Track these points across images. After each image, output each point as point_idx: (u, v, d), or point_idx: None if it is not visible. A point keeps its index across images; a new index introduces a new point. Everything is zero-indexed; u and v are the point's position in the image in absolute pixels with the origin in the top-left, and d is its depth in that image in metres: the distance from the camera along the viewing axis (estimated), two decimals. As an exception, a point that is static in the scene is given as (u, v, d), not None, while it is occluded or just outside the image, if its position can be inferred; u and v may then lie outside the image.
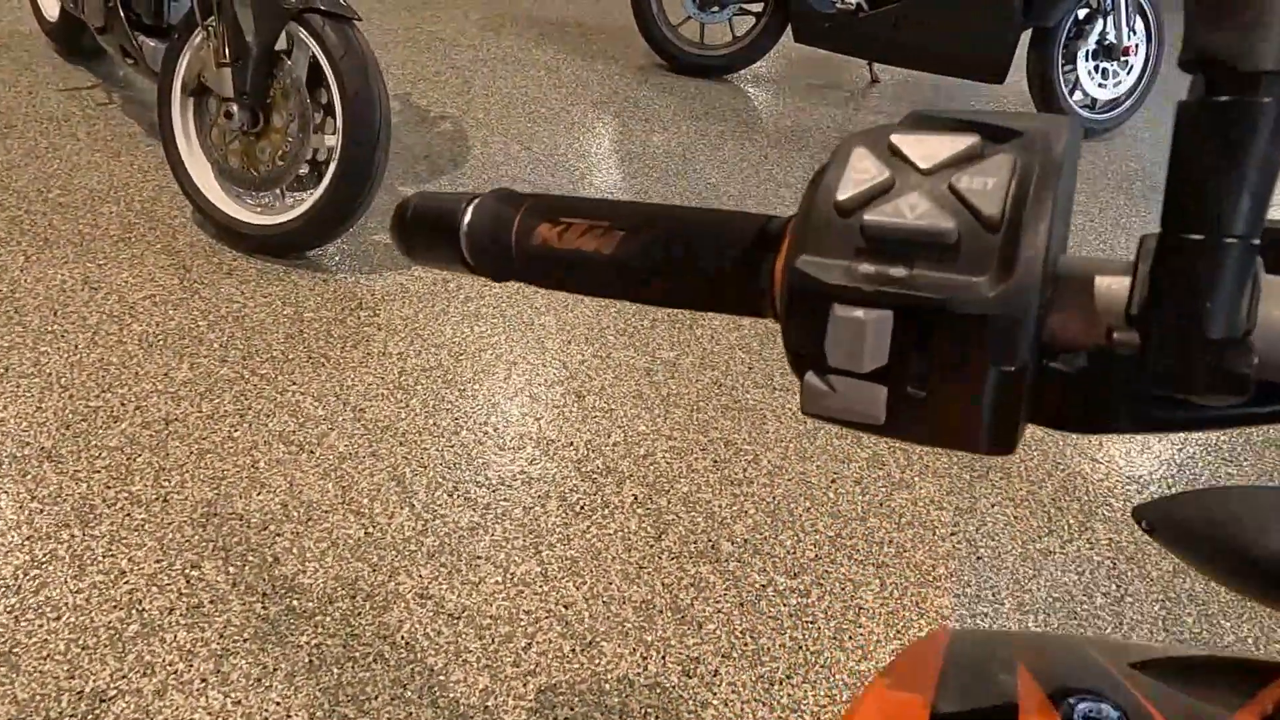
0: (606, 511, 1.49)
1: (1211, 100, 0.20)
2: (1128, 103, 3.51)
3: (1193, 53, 0.19)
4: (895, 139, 0.23)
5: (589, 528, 1.46)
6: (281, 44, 1.85)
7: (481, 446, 1.59)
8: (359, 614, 1.26)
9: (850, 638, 1.34)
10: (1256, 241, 0.20)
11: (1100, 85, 3.44)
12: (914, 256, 0.22)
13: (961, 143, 0.23)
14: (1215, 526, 0.33)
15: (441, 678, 1.20)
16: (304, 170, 1.93)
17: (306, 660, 1.19)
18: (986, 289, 0.21)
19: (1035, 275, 0.21)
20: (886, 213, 0.22)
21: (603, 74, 3.51)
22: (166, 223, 2.12)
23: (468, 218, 0.31)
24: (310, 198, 1.90)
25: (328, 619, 1.25)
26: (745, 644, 1.30)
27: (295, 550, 1.34)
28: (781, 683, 1.26)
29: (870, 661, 1.30)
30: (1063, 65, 3.34)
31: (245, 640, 1.21)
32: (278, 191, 1.98)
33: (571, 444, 1.63)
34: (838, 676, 1.28)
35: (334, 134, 1.84)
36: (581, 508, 1.49)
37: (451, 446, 1.58)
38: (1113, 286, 0.22)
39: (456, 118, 2.91)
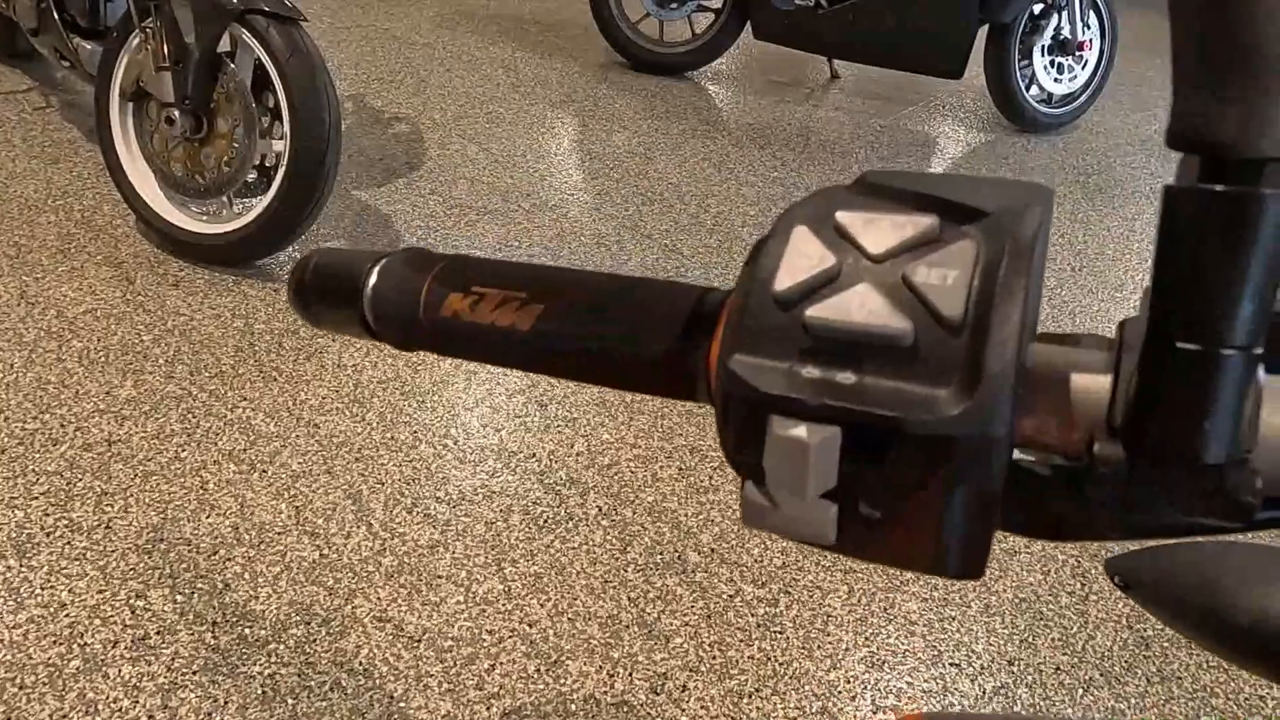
0: (571, 524, 1.46)
1: (1207, 189, 0.17)
2: (1083, 97, 3.55)
3: (1184, 129, 0.17)
4: (842, 217, 0.20)
5: (553, 542, 1.43)
6: (224, 46, 1.79)
7: (441, 460, 1.55)
8: (314, 640, 1.22)
9: (819, 647, 1.32)
10: (1259, 351, 0.18)
11: (1056, 80, 3.48)
12: (864, 360, 0.19)
13: (917, 224, 0.20)
14: (1190, 584, 0.31)
15: (402, 704, 1.16)
16: (251, 176, 1.87)
17: (260, 691, 1.15)
18: (948, 405, 0.18)
19: (1006, 387, 0.18)
20: (832, 309, 0.19)
21: (561, 72, 3.46)
22: (108, 233, 2.04)
23: (372, 280, 0.28)
24: (259, 205, 1.84)
25: (282, 647, 1.20)
26: (713, 657, 1.28)
27: (247, 575, 1.30)
28: (751, 696, 1.24)
29: (840, 670, 1.29)
30: (1019, 60, 3.36)
31: (194, 672, 1.16)
32: (224, 199, 1.91)
33: (534, 455, 1.59)
34: (807, 687, 1.26)
35: (282, 139, 1.78)
36: (545, 521, 1.46)
37: (410, 461, 1.54)
38: (1091, 389, 0.20)
39: (412, 119, 2.85)
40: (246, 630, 1.22)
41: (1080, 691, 1.32)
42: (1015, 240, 0.19)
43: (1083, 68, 3.51)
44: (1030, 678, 1.33)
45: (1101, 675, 1.35)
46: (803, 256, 0.20)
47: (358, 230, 2.19)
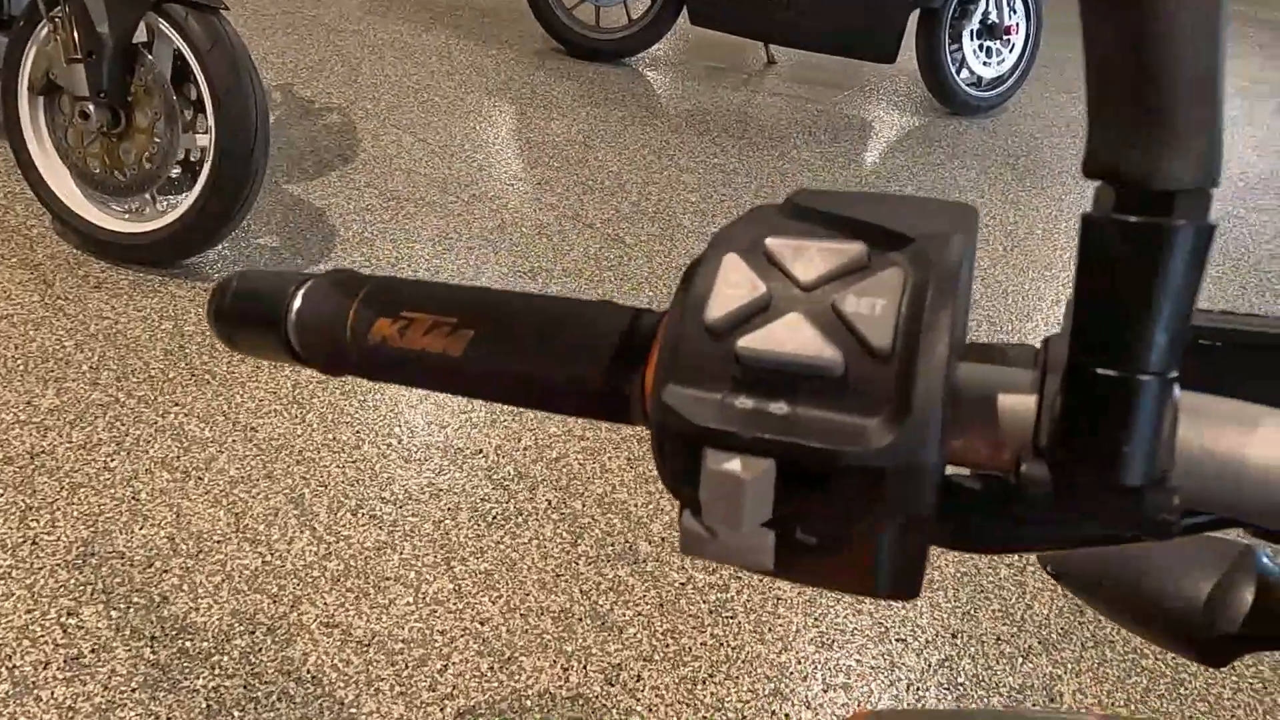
0: (520, 520, 1.45)
1: (1121, 219, 0.17)
2: (1011, 80, 3.64)
3: (1098, 160, 0.17)
4: (772, 245, 0.20)
5: (503, 538, 1.42)
6: (140, 36, 1.71)
7: (386, 460, 1.52)
8: (260, 650, 1.19)
9: (770, 630, 1.34)
10: (1174, 375, 0.18)
11: (985, 64, 3.56)
12: (797, 391, 0.19)
13: (846, 252, 0.20)
14: (1117, 573, 0.32)
15: (353, 710, 1.14)
16: (176, 172, 1.80)
17: (204, 706, 1.12)
18: (878, 435, 0.18)
19: (934, 416, 0.18)
20: (763, 339, 0.19)
21: (497, 59, 3.41)
22: (22, 234, 1.94)
23: (296, 304, 0.27)
24: (184, 202, 1.77)
25: (225, 659, 1.17)
26: (667, 645, 1.29)
27: (185, 587, 1.26)
28: (704, 682, 1.25)
29: (791, 652, 1.31)
30: (949, 45, 3.43)
31: (133, 690, 1.12)
32: (147, 196, 1.84)
33: (481, 451, 1.58)
34: (760, 670, 1.28)
35: (206, 133, 1.71)
36: (494, 517, 1.45)
37: (353, 462, 1.51)
38: (1018, 410, 0.20)
39: (344, 108, 2.78)
40: (187, 643, 1.18)
41: (1020, 660, 1.37)
42: (941, 267, 0.19)
43: (1010, 51, 3.60)
44: (973, 649, 1.37)
45: (1040, 643, 1.40)
46: (733, 285, 0.20)
47: (290, 226, 2.13)
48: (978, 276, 2.44)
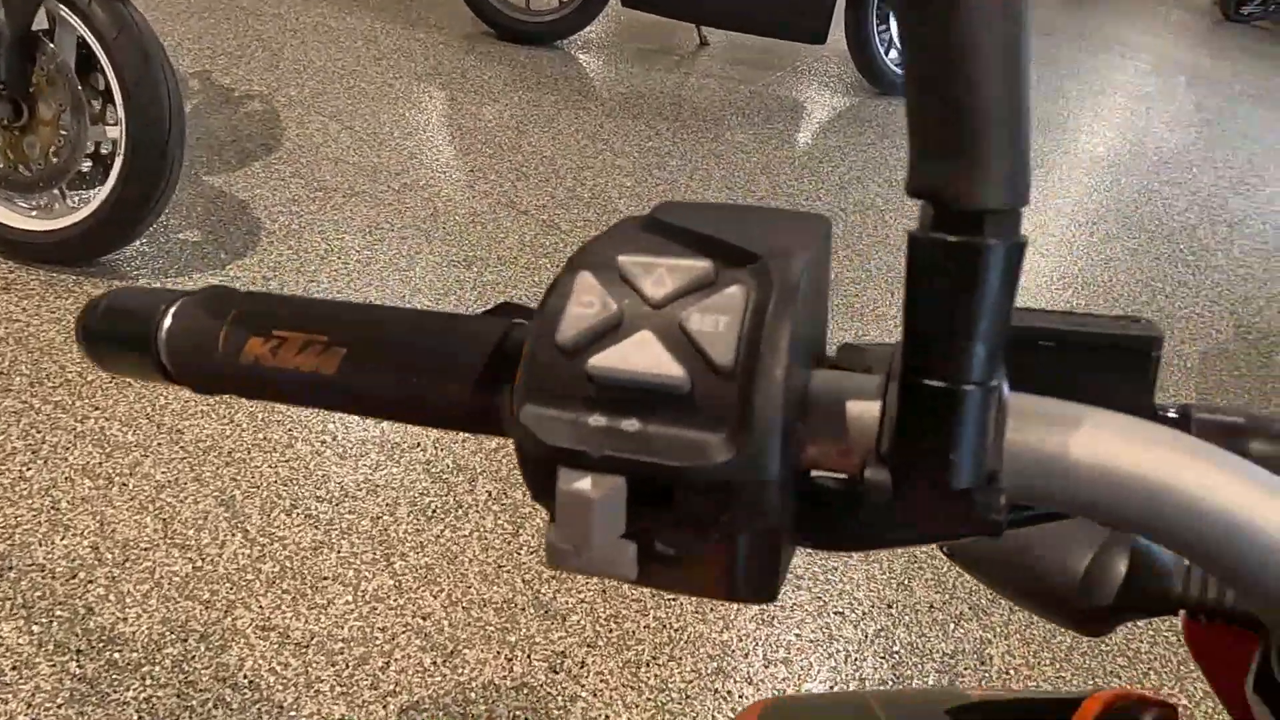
0: (460, 512, 1.45)
1: (939, 238, 0.18)
2: (937, 60, 3.71)
3: (917, 180, 0.18)
4: (624, 262, 0.21)
5: (443, 531, 1.41)
6: (41, 23, 1.63)
7: (320, 458, 1.50)
8: (193, 658, 1.16)
9: (712, 609, 1.36)
10: (996, 384, 0.19)
11: (911, 44, 3.62)
12: (647, 408, 0.20)
13: (694, 269, 0.20)
14: (1008, 554, 0.34)
15: (293, 713, 1.13)
16: (86, 166, 1.72)
17: (135, 717, 1.09)
18: (722, 451, 0.19)
19: (774, 429, 0.19)
20: (614, 357, 0.20)
21: (426, 43, 3.34)
22: (-80, 233, 1.84)
23: (167, 323, 0.27)
24: (97, 197, 1.70)
25: (156, 668, 1.14)
26: (610, 630, 1.30)
27: (112, 597, 1.22)
28: (648, 664, 1.27)
29: (733, 630, 1.34)
30: (877, 25, 3.48)
31: (60, 705, 1.08)
32: (56, 192, 1.76)
33: (418, 444, 1.56)
34: (703, 649, 1.30)
35: (117, 124, 1.64)
36: (433, 511, 1.44)
37: (286, 461, 1.48)
38: (864, 416, 0.21)
39: (266, 96, 2.69)
40: (116, 655, 1.15)
41: (952, 625, 1.42)
42: (782, 284, 0.20)
43: (936, 31, 3.67)
44: (908, 618, 1.42)
45: (970, 609, 1.45)
46: (585, 305, 0.20)
47: (212, 219, 2.07)
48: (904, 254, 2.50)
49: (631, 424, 0.20)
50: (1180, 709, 0.34)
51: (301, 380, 0.24)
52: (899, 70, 3.61)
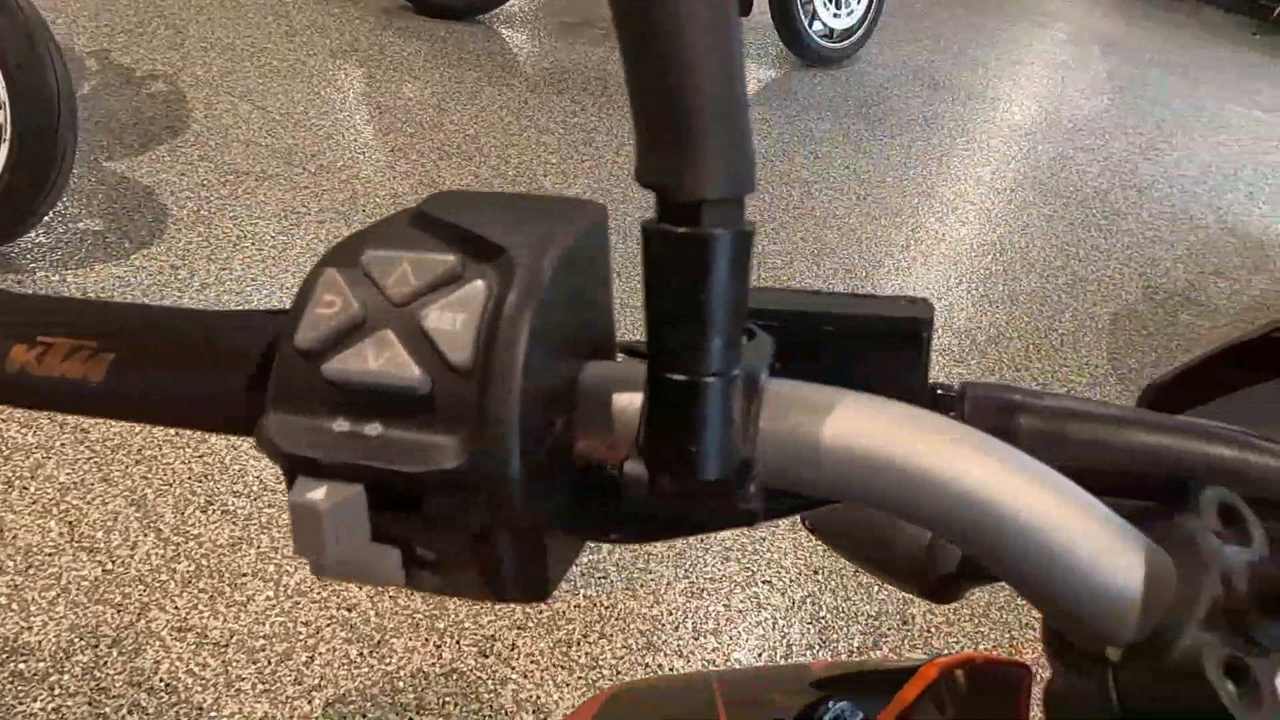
0: (384, 501, 1.42)
1: (666, 229, 0.18)
2: (860, 31, 3.75)
3: (642, 171, 0.18)
4: (369, 258, 0.20)
5: (367, 521, 1.38)
6: (-91, 1, 1.52)
7: (236, 452, 1.45)
8: (105, 664, 1.13)
9: (642, 585, 1.37)
10: (738, 373, 0.19)
11: (835, 15, 3.64)
12: (390, 412, 0.19)
13: (439, 264, 0.19)
14: (855, 526, 0.35)
15: (213, 714, 1.10)
16: (-30, 154, 1.62)
17: (44, 729, 1.05)
18: (458, 452, 0.18)
19: (511, 426, 0.18)
20: (351, 359, 0.19)
21: (340, 19, 3.23)
22: None
23: None
24: (-17, 187, 1.61)
25: (66, 677, 1.10)
26: (540, 611, 1.30)
27: (15, 606, 1.17)
28: (579, 643, 1.28)
29: (662, 605, 1.35)
30: (801, -3, 3.49)
31: (-39, 722, 1.04)
32: (-62, 182, 1.65)
33: (340, 434, 1.53)
34: (633, 625, 1.31)
35: (0, 109, 1.55)
36: (357, 501, 1.41)
37: (200, 456, 1.43)
38: (629, 408, 0.21)
39: (170, 76, 2.57)
40: (20, 665, 1.11)
41: (876, 589, 1.46)
42: (530, 276, 0.19)
43: (858, 3, 3.70)
44: (834, 583, 1.45)
45: (893, 571, 1.49)
46: (326, 305, 0.20)
47: (115, 207, 1.97)
48: (831, 225, 2.53)
49: (374, 428, 0.19)
50: (1035, 668, 0.36)
51: (71, 389, 0.23)
52: (823, 42, 3.63)
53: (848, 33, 3.70)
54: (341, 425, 0.19)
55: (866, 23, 3.75)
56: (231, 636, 1.19)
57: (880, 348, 0.23)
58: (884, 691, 0.33)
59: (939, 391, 0.24)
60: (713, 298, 0.18)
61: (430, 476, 0.18)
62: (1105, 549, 0.19)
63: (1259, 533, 0.21)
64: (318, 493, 0.18)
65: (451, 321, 0.19)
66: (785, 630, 1.36)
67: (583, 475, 0.21)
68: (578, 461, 0.21)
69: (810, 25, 3.55)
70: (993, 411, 0.23)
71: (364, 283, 0.20)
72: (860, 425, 0.20)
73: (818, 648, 1.36)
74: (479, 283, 0.19)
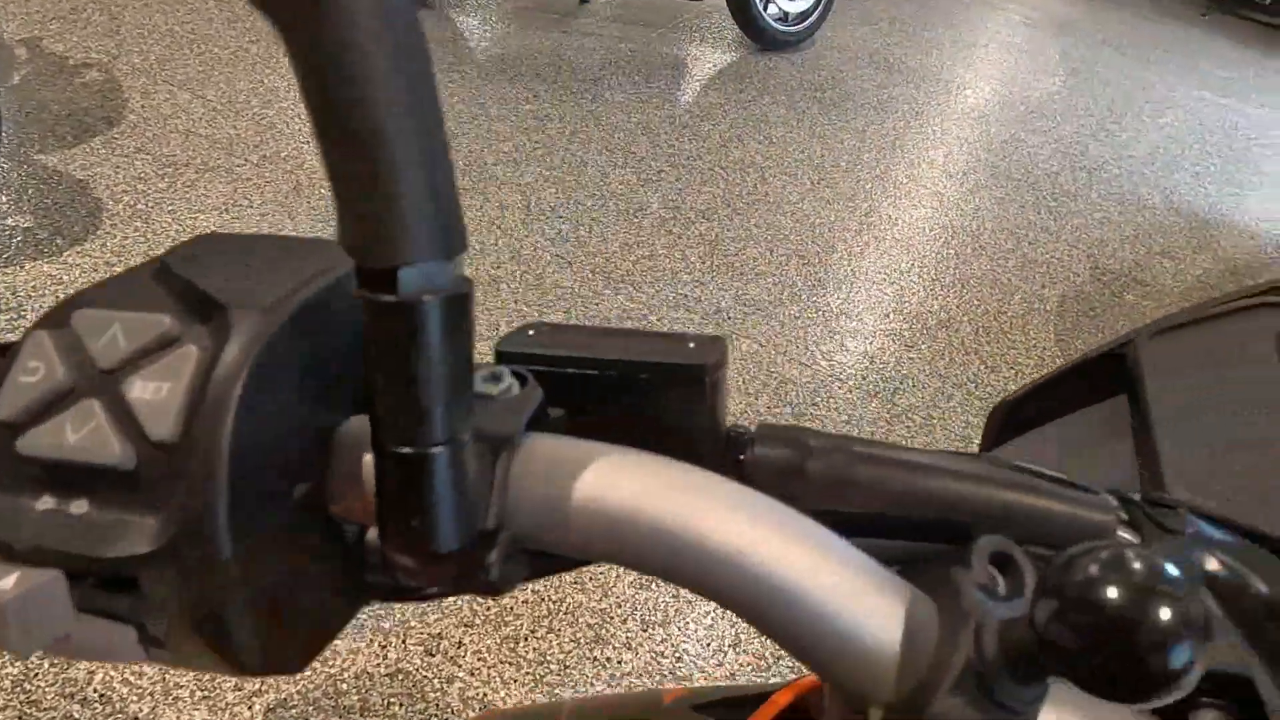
0: (328, 500, 1.40)
1: (371, 299, 0.17)
2: (815, 14, 3.74)
3: (343, 243, 0.17)
4: (79, 320, 0.19)
5: (310, 521, 1.36)
6: None
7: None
8: (35, 675, 1.10)
9: (591, 579, 1.37)
10: (467, 439, 0.18)
11: (790, -1, 3.63)
12: (96, 489, 0.18)
13: (153, 327, 0.18)
14: None
15: (149, 724, 1.08)
16: (-115, 150, 1.56)
17: (-29, 746, 1.02)
18: (155, 537, 0.17)
19: (215, 507, 0.17)
20: (45, 435, 0.18)
21: (286, 4, 3.15)
22: None
23: None
24: (-99, 184, 1.55)
25: (-6, 691, 1.08)
26: (488, 608, 1.30)
27: (-60, 619, 1.14)
28: (526, 638, 1.27)
29: (611, 598, 1.35)
30: (755, -20, 3.47)
31: (-117, 741, 1.01)
32: None
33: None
34: (581, 619, 1.31)
35: (-84, 103, 1.49)
36: (299, 501, 1.39)
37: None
38: (370, 475, 0.20)
39: (106, 64, 2.49)
40: (-54, 681, 1.08)
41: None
42: (240, 339, 0.18)
43: (813, -14, 3.69)
44: (782, 570, 1.46)
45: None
46: (31, 373, 0.18)
47: (47, 202, 1.91)
48: (785, 211, 2.53)
49: (80, 505, 0.18)
50: None
51: None
52: (778, 25, 3.62)
53: (802, 16, 3.70)
54: (46, 503, 0.18)
55: (821, 6, 3.74)
56: (169, 644, 1.16)
57: (667, 391, 0.23)
58: (736, 717, 0.33)
59: (732, 434, 0.23)
60: (426, 366, 0.17)
61: (129, 562, 0.17)
62: (864, 607, 0.18)
63: (1034, 582, 0.19)
64: (7, 581, 0.17)
65: (156, 391, 0.17)
66: (734, 620, 1.37)
67: (342, 537, 0.20)
68: (339, 522, 0.20)
69: (765, 9, 3.54)
70: (782, 455, 0.22)
71: (75, 347, 0.18)
72: (611, 483, 0.19)
73: (757, 639, 1.37)
74: (190, 347, 0.18)
